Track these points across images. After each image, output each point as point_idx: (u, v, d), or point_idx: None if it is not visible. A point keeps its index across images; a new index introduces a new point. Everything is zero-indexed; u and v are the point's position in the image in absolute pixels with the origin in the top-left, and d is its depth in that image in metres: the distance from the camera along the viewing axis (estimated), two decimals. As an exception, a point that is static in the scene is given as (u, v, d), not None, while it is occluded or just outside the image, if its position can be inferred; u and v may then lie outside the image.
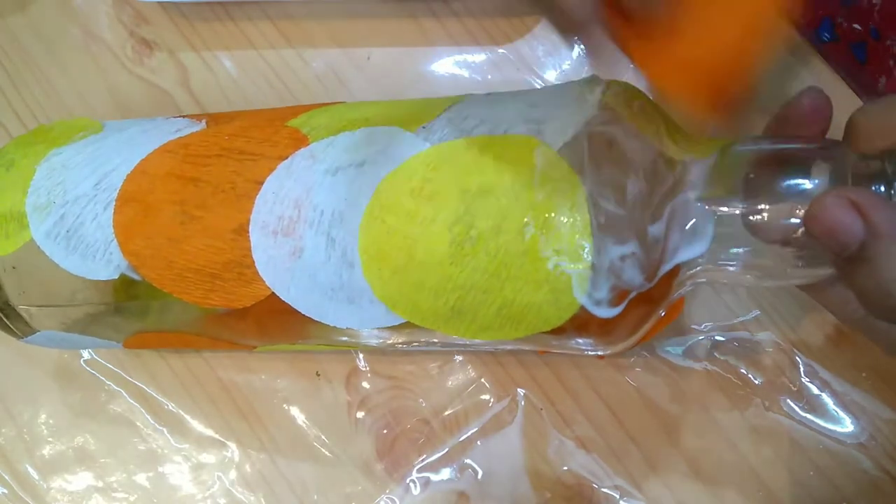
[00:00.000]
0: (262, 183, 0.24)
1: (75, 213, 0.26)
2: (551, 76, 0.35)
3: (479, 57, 0.35)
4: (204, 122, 0.27)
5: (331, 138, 0.25)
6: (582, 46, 0.25)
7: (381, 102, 0.27)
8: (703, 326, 0.32)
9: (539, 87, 0.35)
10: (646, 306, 0.23)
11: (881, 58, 0.31)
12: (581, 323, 0.23)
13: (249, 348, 0.30)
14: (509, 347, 0.28)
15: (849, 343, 0.31)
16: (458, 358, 0.33)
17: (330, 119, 0.26)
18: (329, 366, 0.34)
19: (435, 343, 0.27)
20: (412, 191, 0.23)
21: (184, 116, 0.29)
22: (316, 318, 0.25)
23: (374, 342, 0.27)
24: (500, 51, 0.35)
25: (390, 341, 0.27)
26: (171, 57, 0.37)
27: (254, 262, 0.24)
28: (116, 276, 0.25)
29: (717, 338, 0.32)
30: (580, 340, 0.25)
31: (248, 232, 0.24)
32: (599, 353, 0.26)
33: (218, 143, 0.26)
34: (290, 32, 0.36)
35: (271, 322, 0.27)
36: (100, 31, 0.37)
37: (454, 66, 0.35)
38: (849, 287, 0.21)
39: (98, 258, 0.25)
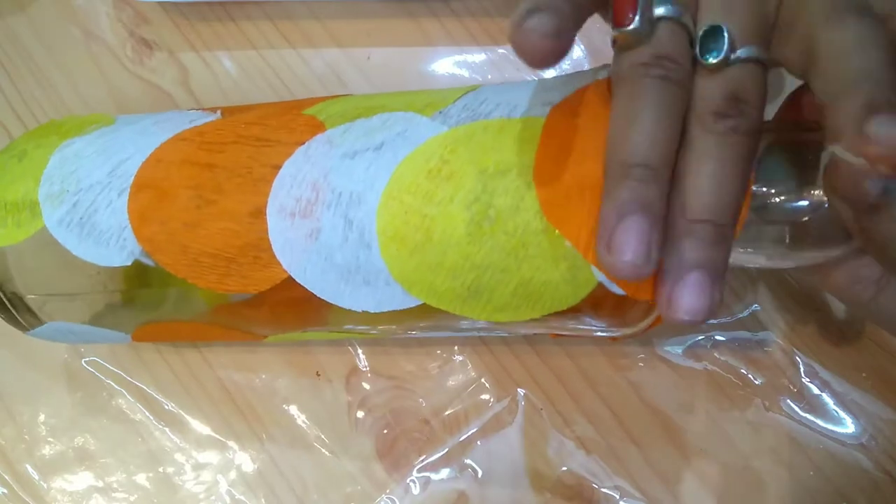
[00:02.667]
0: (279, 167, 0.24)
1: (89, 201, 0.26)
2: (551, 76, 0.35)
3: (478, 57, 0.35)
4: (218, 112, 0.28)
5: (347, 124, 0.25)
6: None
7: (396, 92, 0.27)
8: (702, 326, 0.32)
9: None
10: None
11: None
12: (596, 301, 0.23)
13: (260, 338, 0.30)
14: (523, 332, 0.28)
15: (849, 343, 0.31)
16: (458, 358, 0.33)
17: (345, 107, 0.26)
18: (329, 366, 0.34)
19: (447, 328, 0.27)
20: (430, 171, 0.23)
21: (197, 109, 0.29)
22: (331, 301, 0.25)
23: (386, 327, 0.27)
24: (500, 51, 0.35)
25: (403, 327, 0.27)
26: (171, 57, 0.37)
27: (270, 244, 0.24)
28: (130, 263, 0.25)
29: (718, 337, 0.32)
30: (594, 322, 0.25)
31: (264, 215, 0.24)
32: (613, 335, 0.26)
33: (234, 131, 0.26)
34: (290, 32, 0.36)
35: (286, 308, 0.27)
36: (100, 31, 0.37)
37: (454, 66, 0.35)
38: (866, 243, 0.21)
39: (112, 244, 0.25)
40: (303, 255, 0.24)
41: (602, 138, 0.21)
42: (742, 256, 0.23)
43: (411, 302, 0.24)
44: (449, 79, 0.35)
